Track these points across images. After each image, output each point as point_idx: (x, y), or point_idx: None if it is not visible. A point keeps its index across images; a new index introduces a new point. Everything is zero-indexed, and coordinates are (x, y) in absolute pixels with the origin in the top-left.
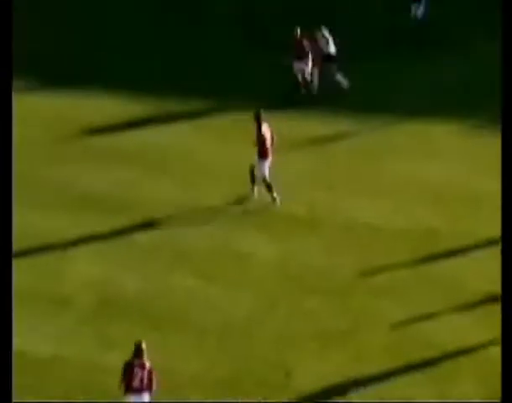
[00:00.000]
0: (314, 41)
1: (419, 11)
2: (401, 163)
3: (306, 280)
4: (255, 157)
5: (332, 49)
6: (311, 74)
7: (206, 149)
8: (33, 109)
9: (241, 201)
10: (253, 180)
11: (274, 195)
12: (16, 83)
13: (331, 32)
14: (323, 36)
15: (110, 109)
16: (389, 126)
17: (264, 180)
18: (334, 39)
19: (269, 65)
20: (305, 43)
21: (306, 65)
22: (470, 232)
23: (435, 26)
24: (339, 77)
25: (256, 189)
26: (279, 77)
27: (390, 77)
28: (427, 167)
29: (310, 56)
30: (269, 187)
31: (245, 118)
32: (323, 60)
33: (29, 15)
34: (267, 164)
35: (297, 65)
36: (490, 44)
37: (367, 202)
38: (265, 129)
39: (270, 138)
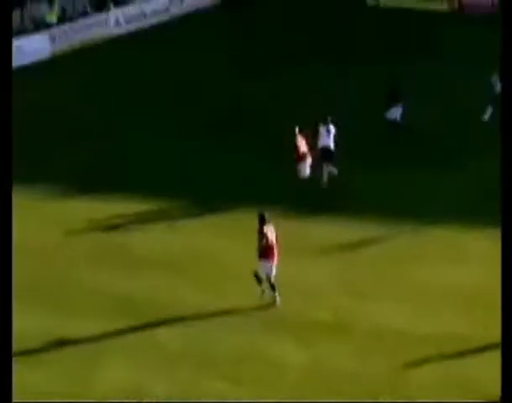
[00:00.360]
0: (313, 135)
1: (398, 113)
2: (427, 268)
3: (335, 384)
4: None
5: (331, 143)
6: (320, 170)
7: (226, 250)
8: (64, 213)
9: (265, 306)
10: (259, 281)
11: (276, 294)
12: (41, 190)
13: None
14: (327, 130)
15: (132, 212)
16: (415, 231)
17: (268, 279)
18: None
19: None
20: (301, 142)
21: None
22: (497, 338)
23: (459, 133)
24: (329, 170)
25: (276, 294)
26: (302, 181)
27: (417, 184)
28: (454, 272)
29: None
30: (272, 287)
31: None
32: (322, 153)
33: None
34: (269, 265)
35: (302, 167)
36: None
37: (393, 307)
38: (269, 231)
39: (274, 240)
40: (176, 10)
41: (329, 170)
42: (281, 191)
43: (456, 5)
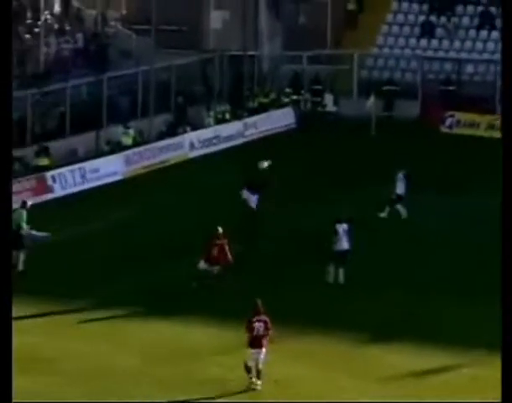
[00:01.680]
0: None
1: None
2: None
3: None
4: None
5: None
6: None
7: None
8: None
9: None
10: (247, 371)
11: (258, 382)
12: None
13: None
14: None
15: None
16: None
17: (256, 366)
18: None
19: None
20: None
21: None
22: None
23: None
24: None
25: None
26: None
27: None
28: None
29: None
30: (257, 373)
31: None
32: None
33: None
34: (256, 352)
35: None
36: None
37: None
38: (260, 320)
39: (264, 328)
40: (251, 134)
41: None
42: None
43: None
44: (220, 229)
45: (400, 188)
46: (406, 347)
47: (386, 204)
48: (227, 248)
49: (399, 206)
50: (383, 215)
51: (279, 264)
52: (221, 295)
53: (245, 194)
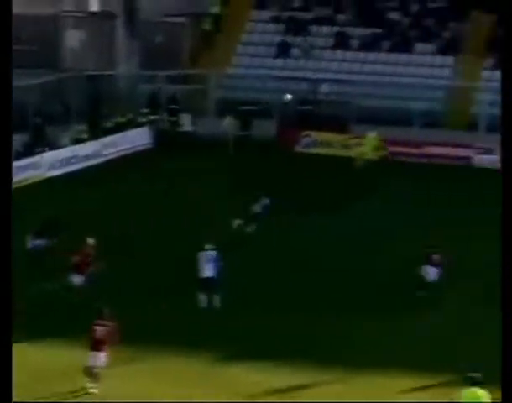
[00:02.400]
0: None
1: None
2: None
3: None
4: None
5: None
6: None
7: None
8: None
9: None
10: (87, 374)
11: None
12: None
13: None
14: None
15: None
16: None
17: (86, 367)
18: None
19: None
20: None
21: None
22: None
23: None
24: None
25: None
26: None
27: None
28: None
29: None
30: (86, 372)
31: None
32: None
33: None
34: (95, 355)
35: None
36: None
37: None
38: (103, 324)
39: (105, 333)
40: (109, 153)
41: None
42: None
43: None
44: (90, 240)
45: (258, 208)
46: (268, 365)
47: (249, 220)
48: (90, 259)
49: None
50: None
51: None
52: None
53: None
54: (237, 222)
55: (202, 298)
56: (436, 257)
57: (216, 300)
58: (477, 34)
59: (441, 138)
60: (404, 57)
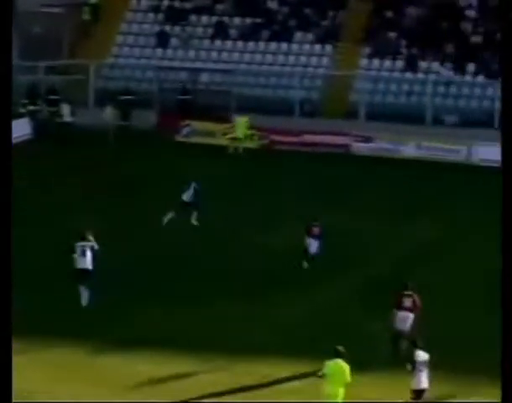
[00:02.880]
0: None
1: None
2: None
3: None
4: None
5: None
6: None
7: None
8: None
9: None
10: None
11: None
12: None
13: None
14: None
15: None
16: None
17: None
18: None
19: None
20: None
21: None
22: None
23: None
24: None
25: None
26: None
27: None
28: None
29: None
30: None
31: None
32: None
33: None
34: None
35: None
36: None
37: None
38: None
39: None
40: None
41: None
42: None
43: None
44: None
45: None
46: (151, 355)
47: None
48: None
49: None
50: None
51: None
52: None
53: None
54: (168, 216)
55: (81, 289)
56: (315, 229)
57: (94, 292)
58: (354, 23)
59: (320, 126)
60: (283, 46)
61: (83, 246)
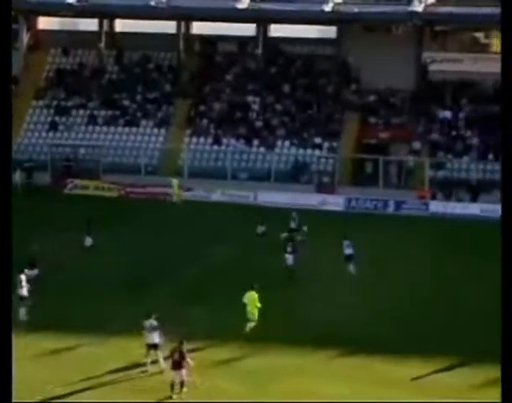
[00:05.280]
0: None
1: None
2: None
3: None
4: None
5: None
6: None
7: None
8: None
9: None
10: None
11: None
12: None
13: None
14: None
15: None
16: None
17: None
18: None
19: None
20: None
21: None
22: None
23: None
24: None
25: None
26: None
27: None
28: None
29: None
30: None
31: None
32: None
33: None
34: None
35: None
36: None
37: None
38: None
39: None
40: None
41: None
42: None
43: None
44: None
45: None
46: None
47: None
48: None
49: None
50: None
51: None
52: None
53: None
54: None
55: None
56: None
57: None
58: (180, 113)
59: (159, 182)
60: (133, 129)
61: None
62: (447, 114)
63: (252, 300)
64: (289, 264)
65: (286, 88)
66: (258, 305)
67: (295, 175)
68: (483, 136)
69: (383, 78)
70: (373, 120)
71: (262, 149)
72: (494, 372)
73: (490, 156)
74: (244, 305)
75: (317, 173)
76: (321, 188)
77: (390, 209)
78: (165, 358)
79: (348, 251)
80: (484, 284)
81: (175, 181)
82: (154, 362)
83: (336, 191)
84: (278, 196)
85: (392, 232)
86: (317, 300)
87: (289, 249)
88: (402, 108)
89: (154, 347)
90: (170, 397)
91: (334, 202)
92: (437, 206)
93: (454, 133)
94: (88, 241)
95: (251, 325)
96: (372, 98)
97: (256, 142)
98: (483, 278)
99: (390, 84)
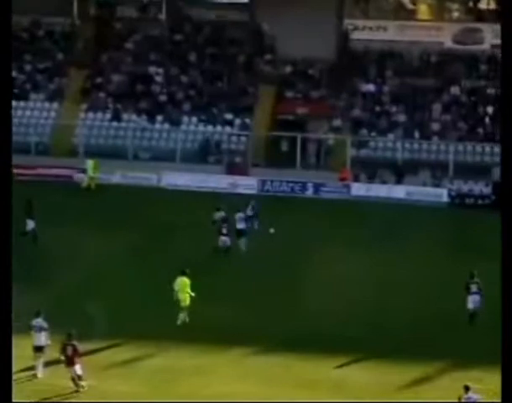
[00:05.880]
0: None
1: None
2: None
3: None
4: None
5: None
6: None
7: None
8: None
9: None
10: None
11: None
12: None
13: None
14: None
15: None
16: None
17: None
18: None
19: None
20: None
21: None
22: None
23: None
24: None
25: None
26: None
27: None
28: None
29: None
30: None
31: None
32: None
33: None
34: None
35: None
36: None
37: None
38: None
39: None
40: None
41: None
42: None
43: None
44: None
45: None
46: None
47: None
48: None
49: None
50: None
51: None
52: None
53: None
54: None
55: None
56: None
57: None
58: (74, 86)
59: (50, 162)
60: (21, 103)
61: None
62: (371, 88)
63: (183, 286)
64: (227, 245)
65: (193, 58)
66: (189, 291)
67: (204, 154)
68: (409, 112)
69: (300, 47)
70: (289, 94)
71: (166, 126)
72: (409, 373)
73: (417, 134)
74: (174, 292)
75: (228, 152)
76: (233, 169)
77: (309, 192)
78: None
79: (240, 225)
80: (407, 270)
81: (90, 163)
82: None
83: (250, 173)
84: (184, 178)
85: (310, 218)
86: (228, 294)
87: (224, 231)
88: (321, 81)
89: (40, 349)
90: (77, 391)
91: (247, 185)
92: (360, 189)
93: (378, 108)
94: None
95: (182, 317)
96: (288, 70)
97: (160, 118)
98: (407, 265)
99: (309, 54)
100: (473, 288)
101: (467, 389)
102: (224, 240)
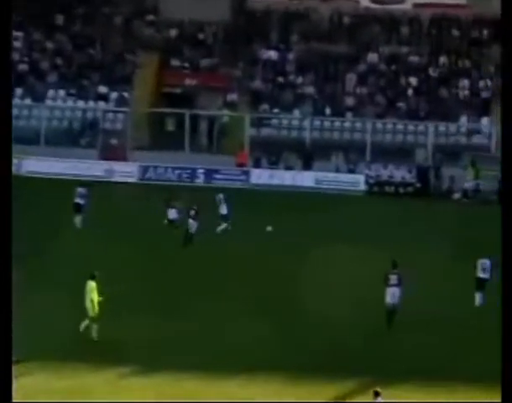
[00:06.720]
0: None
1: None
2: None
3: None
4: None
5: None
6: None
7: None
8: None
9: None
10: None
11: None
12: None
13: None
14: None
15: None
16: None
17: None
18: None
19: None
20: None
21: None
22: None
23: None
24: None
25: None
26: None
27: None
28: None
29: None
30: None
31: None
32: None
33: None
34: None
35: None
36: None
37: None
38: None
39: None
40: None
41: None
42: None
43: None
44: None
45: None
46: None
47: None
48: None
49: None
50: None
51: None
52: None
53: None
54: None
55: None
56: None
57: None
58: None
59: None
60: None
61: None
62: (273, 54)
63: (89, 291)
64: (193, 230)
65: (59, 20)
66: (97, 297)
67: (73, 136)
68: (318, 84)
69: (188, 7)
70: (175, 62)
71: (28, 101)
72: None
73: (328, 110)
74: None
75: (103, 133)
76: (108, 153)
77: (200, 180)
78: None
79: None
80: (316, 273)
81: None
82: None
83: (129, 157)
84: (50, 165)
85: (201, 211)
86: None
87: (192, 213)
88: (213, 47)
89: None
90: None
91: (125, 172)
92: (261, 176)
93: (282, 79)
94: None
95: (86, 323)
96: (174, 33)
97: (20, 91)
98: (316, 267)
99: (198, 15)
100: (393, 279)
101: (376, 394)
102: (191, 224)
